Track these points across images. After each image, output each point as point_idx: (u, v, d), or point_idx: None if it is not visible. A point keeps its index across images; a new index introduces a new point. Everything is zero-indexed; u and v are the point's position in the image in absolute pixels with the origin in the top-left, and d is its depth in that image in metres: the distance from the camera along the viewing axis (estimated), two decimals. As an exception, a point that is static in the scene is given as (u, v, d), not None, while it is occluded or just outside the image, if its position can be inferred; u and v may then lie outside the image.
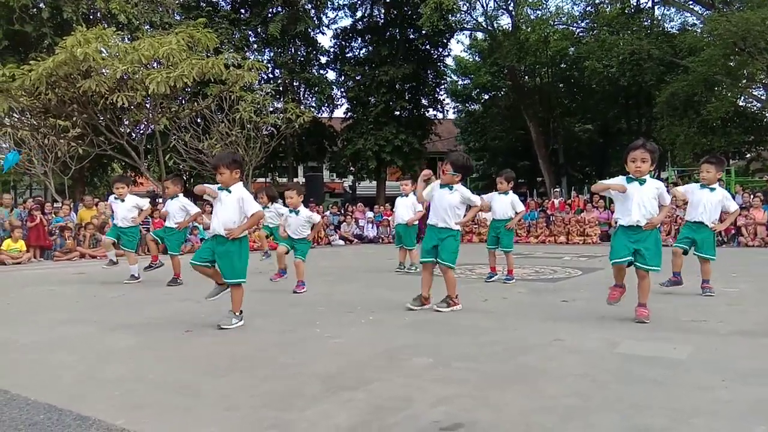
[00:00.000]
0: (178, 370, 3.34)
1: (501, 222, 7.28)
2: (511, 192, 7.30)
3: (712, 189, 5.96)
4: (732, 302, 5.52)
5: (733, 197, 15.86)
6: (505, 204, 7.23)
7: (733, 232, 14.66)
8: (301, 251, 6.58)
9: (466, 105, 35.37)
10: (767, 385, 2.86)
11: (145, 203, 7.99)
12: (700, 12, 22.31)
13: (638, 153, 4.48)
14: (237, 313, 4.49)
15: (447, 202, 5.17)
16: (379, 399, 2.74)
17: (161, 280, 7.58)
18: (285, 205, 7.05)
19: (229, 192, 4.51)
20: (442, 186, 5.25)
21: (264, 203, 8.19)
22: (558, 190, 22.84)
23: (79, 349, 3.89)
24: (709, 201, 5.93)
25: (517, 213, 7.25)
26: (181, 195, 7.58)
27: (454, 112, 36.02)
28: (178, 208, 7.45)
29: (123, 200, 7.64)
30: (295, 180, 29.06)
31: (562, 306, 5.44)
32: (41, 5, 18.59)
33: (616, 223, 4.72)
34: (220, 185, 4.56)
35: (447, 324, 4.56)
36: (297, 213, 6.52)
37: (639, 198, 4.49)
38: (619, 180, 4.65)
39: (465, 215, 5.36)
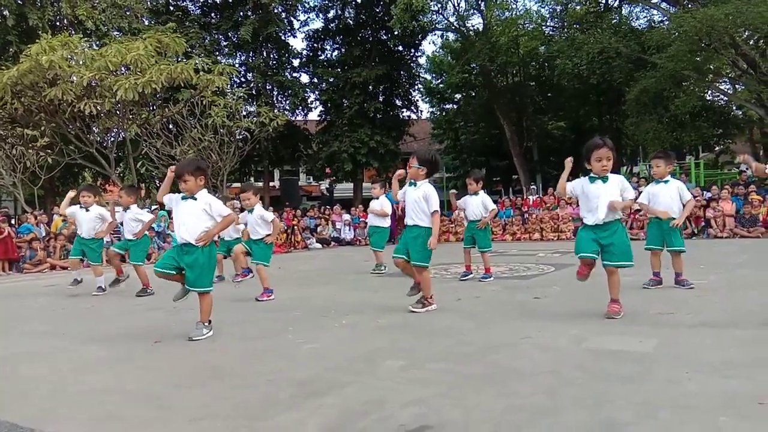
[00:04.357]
0: (148, 382, 3.30)
1: (475, 222, 7.35)
2: (481, 192, 7.38)
3: (666, 182, 6.09)
4: (701, 294, 5.62)
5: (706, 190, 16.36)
6: (476, 204, 7.30)
7: (702, 224, 14.96)
8: (261, 255, 6.39)
9: (441, 104, 35.52)
10: (732, 377, 2.91)
11: (108, 215, 7.71)
12: (666, 8, 22.71)
13: (603, 152, 4.50)
14: (206, 323, 4.42)
15: (411, 198, 5.25)
16: (351, 403, 2.74)
17: (130, 291, 7.47)
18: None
19: (195, 200, 4.41)
20: (410, 184, 5.30)
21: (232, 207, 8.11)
22: (533, 187, 23.05)
23: (48, 363, 3.82)
24: (666, 194, 6.03)
25: (489, 211, 7.32)
26: (134, 206, 7.47)
27: (429, 111, 36.19)
28: (132, 218, 7.38)
29: (87, 210, 7.48)
30: (271, 184, 28.90)
31: (534, 303, 5.49)
32: (6, 12, 18.21)
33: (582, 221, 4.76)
34: (183, 194, 4.48)
35: (420, 325, 4.57)
36: (251, 212, 6.46)
37: (604, 196, 4.54)
38: (581, 181, 4.70)
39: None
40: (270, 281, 6.51)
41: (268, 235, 6.35)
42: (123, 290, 7.62)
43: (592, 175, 4.64)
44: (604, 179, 4.57)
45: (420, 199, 5.18)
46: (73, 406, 2.89)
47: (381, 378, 3.15)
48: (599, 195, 4.55)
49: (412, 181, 5.30)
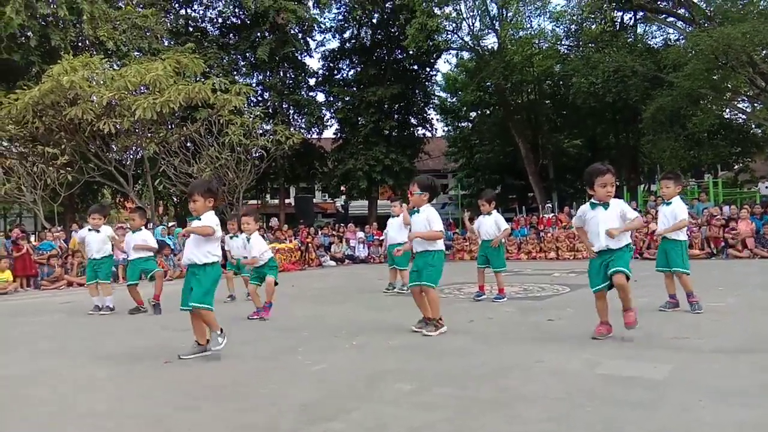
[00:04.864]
0: (152, 403, 3.30)
1: (488, 242, 7.33)
2: (494, 212, 7.37)
3: (669, 203, 6.10)
4: (718, 317, 5.51)
5: (721, 208, 16.16)
6: (489, 224, 7.29)
7: (722, 244, 14.73)
8: (271, 273, 6.57)
9: (456, 123, 35.58)
10: (745, 405, 2.84)
11: (114, 235, 7.90)
12: (682, 27, 22.62)
13: (608, 178, 4.51)
14: (219, 332, 4.39)
15: (418, 225, 5.23)
16: (357, 428, 2.71)
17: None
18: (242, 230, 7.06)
19: (199, 220, 4.47)
20: (413, 212, 5.31)
21: (234, 232, 7.99)
22: (549, 205, 22.89)
23: (56, 382, 3.85)
24: (663, 214, 6.15)
25: (501, 231, 7.30)
26: (143, 229, 7.64)
27: (444, 129, 36.26)
28: (140, 241, 7.49)
29: (98, 231, 7.58)
30: (286, 201, 29.07)
31: (548, 325, 5.43)
32: (29, 33, 18.63)
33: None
34: (191, 216, 4.56)
35: (431, 347, 4.53)
36: (249, 239, 6.66)
37: (605, 222, 4.53)
38: (583, 210, 4.75)
39: None
40: (278, 297, 6.60)
41: (254, 258, 6.57)
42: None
43: (593, 201, 4.63)
44: (605, 205, 4.56)
45: (424, 224, 5.19)
46: (74, 427, 2.90)
47: (388, 402, 3.12)
48: (600, 222, 4.55)
49: (415, 208, 5.30)
